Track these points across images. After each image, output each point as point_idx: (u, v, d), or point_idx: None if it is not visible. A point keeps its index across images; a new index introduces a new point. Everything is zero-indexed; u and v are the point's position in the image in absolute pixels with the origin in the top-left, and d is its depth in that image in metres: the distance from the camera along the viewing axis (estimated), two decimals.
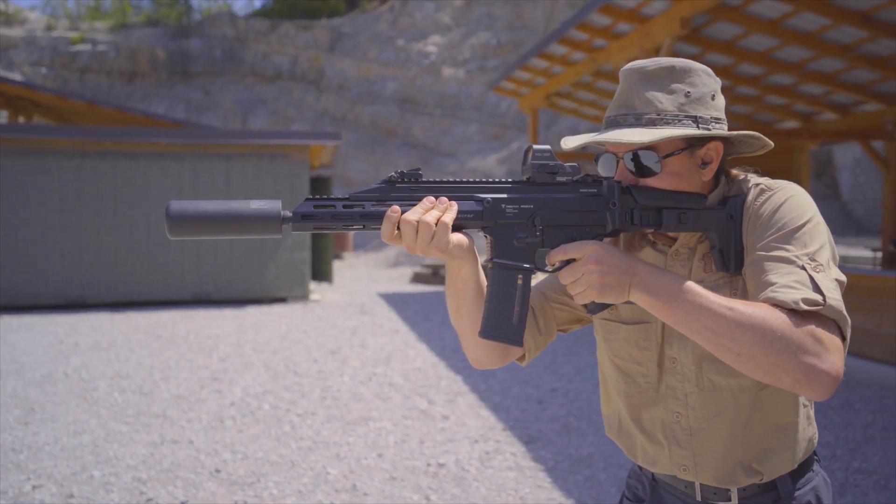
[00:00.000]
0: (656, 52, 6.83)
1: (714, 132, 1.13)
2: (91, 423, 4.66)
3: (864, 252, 12.57)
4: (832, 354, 0.97)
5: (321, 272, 13.73)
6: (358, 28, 28.29)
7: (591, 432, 4.42)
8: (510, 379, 5.88)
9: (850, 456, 3.94)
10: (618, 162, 1.18)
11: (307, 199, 1.04)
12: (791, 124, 10.51)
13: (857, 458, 3.91)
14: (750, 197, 1.16)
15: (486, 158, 22.82)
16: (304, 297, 11.47)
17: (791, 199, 1.11)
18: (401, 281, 15.39)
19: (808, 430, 1.21)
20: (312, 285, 12.95)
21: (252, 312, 10.15)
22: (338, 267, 18.04)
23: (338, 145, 12.22)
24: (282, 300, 11.43)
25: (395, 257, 20.09)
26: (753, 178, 1.20)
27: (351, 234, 21.80)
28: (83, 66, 27.79)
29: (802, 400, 1.20)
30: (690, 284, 1.03)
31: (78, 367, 6.41)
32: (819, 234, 1.08)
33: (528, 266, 1.11)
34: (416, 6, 27.80)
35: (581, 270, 1.04)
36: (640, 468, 1.32)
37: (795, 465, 1.19)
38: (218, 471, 3.80)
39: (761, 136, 1.15)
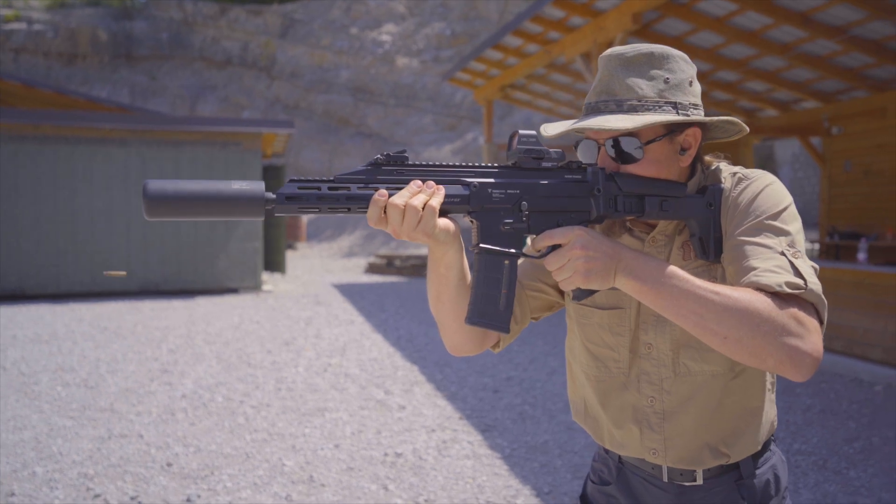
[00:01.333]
0: (608, 46, 6.93)
1: (694, 118, 1.14)
2: (33, 419, 4.48)
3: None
4: (813, 336, 1.01)
5: (274, 262, 13.51)
6: (311, 15, 27.78)
7: (546, 420, 4.50)
8: (466, 369, 5.93)
9: (791, 438, 4.13)
10: (599, 149, 1.18)
11: (291, 180, 1.02)
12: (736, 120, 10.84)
13: (798, 440, 4.11)
14: (728, 185, 1.18)
15: (441, 149, 22.80)
16: (256, 287, 11.27)
17: (769, 188, 1.14)
18: (355, 271, 15.28)
19: (770, 412, 1.26)
20: (265, 276, 12.74)
21: (202, 303, 9.91)
22: (291, 257, 17.78)
23: (291, 134, 12.02)
24: (233, 291, 11.20)
25: (349, 247, 19.93)
26: (728, 167, 1.22)
27: (304, 224, 21.49)
28: (18, 46, 26.47)
29: (768, 384, 1.24)
30: (675, 269, 1.03)
31: (17, 360, 6.15)
32: (795, 222, 1.11)
33: (514, 251, 1.10)
34: None
35: (567, 256, 1.03)
36: (607, 451, 1.33)
37: (759, 447, 1.23)
38: (169, 465, 3.71)
39: (738, 121, 1.18)
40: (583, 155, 1.21)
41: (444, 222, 1.06)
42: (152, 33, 27.81)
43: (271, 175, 12.99)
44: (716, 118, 1.17)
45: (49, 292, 10.32)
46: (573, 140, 1.25)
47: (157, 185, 0.97)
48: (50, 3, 29.01)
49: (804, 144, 10.05)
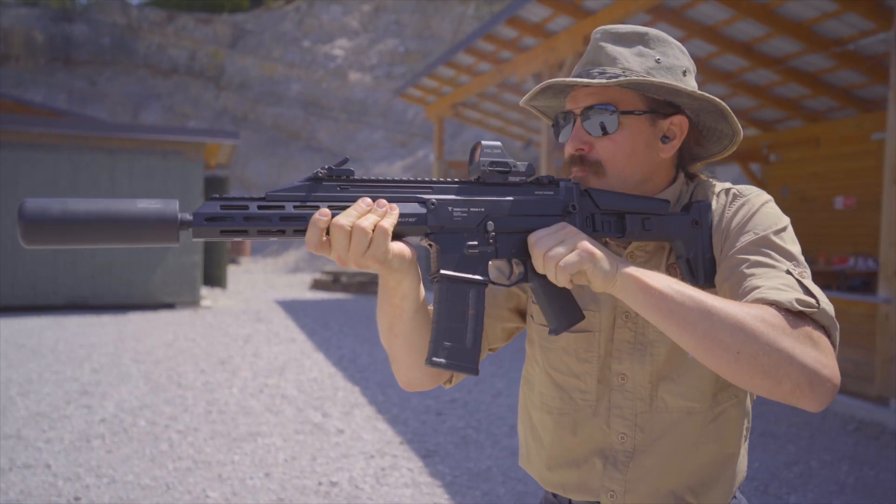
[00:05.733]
0: (559, 67, 6.96)
1: (681, 86, 1.01)
2: None
3: None
4: (831, 360, 0.88)
5: (214, 277, 13.02)
6: (262, 26, 27.38)
7: (490, 445, 4.35)
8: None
9: None
10: (574, 120, 1.07)
11: (212, 198, 0.84)
12: None
13: None
14: (720, 201, 1.07)
15: (392, 165, 22.66)
16: (194, 303, 10.81)
17: (766, 206, 1.03)
18: (300, 287, 14.90)
19: (743, 462, 1.14)
20: (204, 291, 12.26)
21: (134, 319, 9.42)
22: (233, 272, 17.23)
23: (236, 145, 11.68)
24: (169, 306, 10.71)
25: (295, 263, 19.48)
26: (719, 184, 1.11)
27: None
28: None
29: (744, 430, 1.12)
30: (678, 280, 0.92)
31: None
32: (794, 240, 1.01)
33: (481, 279, 0.95)
34: (322, 8, 27.29)
35: (562, 235, 0.92)
36: (556, 496, 1.19)
37: (729, 501, 1.10)
38: (77, 499, 3.38)
39: (730, 113, 1.04)
40: (558, 133, 1.10)
41: (398, 247, 0.90)
42: (93, 37, 26.85)
43: (214, 187, 12.56)
44: (707, 96, 1.02)
45: None
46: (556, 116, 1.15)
47: (37, 204, 0.77)
48: None
49: (744, 170, 10.35)
